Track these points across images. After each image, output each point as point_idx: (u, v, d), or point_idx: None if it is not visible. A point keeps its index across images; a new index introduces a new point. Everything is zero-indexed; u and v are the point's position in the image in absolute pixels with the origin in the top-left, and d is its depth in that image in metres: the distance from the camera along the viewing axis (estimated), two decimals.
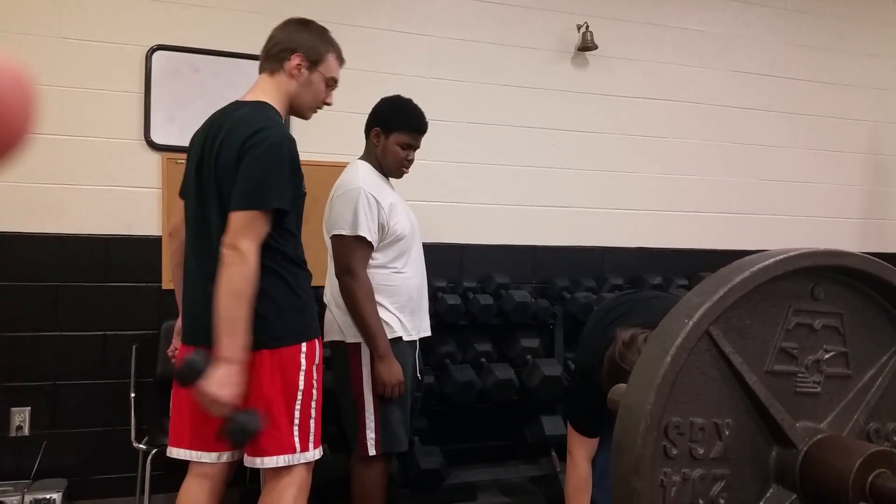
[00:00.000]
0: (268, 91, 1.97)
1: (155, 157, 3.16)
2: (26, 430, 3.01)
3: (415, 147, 2.57)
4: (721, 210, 4.10)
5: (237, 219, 1.77)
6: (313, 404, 1.88)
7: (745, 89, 4.19)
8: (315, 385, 1.89)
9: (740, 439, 1.04)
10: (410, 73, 3.48)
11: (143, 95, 3.14)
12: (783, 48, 4.29)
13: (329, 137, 3.39)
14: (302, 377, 1.85)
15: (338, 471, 2.92)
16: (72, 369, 3.06)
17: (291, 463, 1.84)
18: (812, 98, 4.34)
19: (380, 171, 2.54)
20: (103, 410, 3.09)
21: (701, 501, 1.00)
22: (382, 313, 2.39)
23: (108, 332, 3.11)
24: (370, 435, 2.40)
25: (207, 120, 2.05)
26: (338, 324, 2.43)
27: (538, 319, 3.48)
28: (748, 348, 1.04)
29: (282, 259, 1.85)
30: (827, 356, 1.10)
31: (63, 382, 3.05)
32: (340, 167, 3.49)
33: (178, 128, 3.16)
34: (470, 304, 3.34)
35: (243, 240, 1.74)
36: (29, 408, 3.01)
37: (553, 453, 3.36)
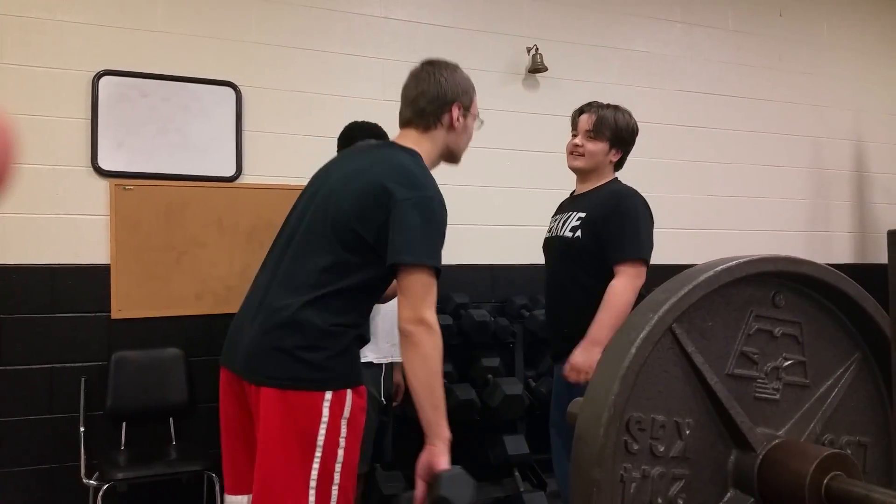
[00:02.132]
0: (423, 145, 1.83)
1: (103, 184, 3.08)
2: None
3: None
4: (670, 226, 4.18)
5: (416, 281, 1.62)
6: (338, 468, 1.62)
7: (690, 108, 4.31)
8: (343, 443, 1.62)
9: (700, 440, 1.04)
10: (365, 96, 3.49)
11: (89, 121, 3.07)
12: (726, 67, 4.43)
13: (284, 161, 3.36)
14: (323, 430, 1.60)
15: None
16: (17, 405, 2.94)
17: None
18: (755, 115, 4.49)
19: None
20: (51, 446, 2.97)
21: (660, 500, 1.00)
22: None
23: (55, 365, 3.00)
24: None
25: (345, 154, 1.98)
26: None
27: (498, 338, 3.49)
28: (710, 350, 1.06)
29: (352, 308, 1.68)
30: (786, 364, 1.12)
31: (7, 419, 2.93)
32: (297, 190, 3.48)
33: (126, 153, 3.11)
34: None
35: (428, 310, 1.61)
36: None
37: (516, 473, 3.35)
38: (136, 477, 2.77)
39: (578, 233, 2.35)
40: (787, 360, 1.12)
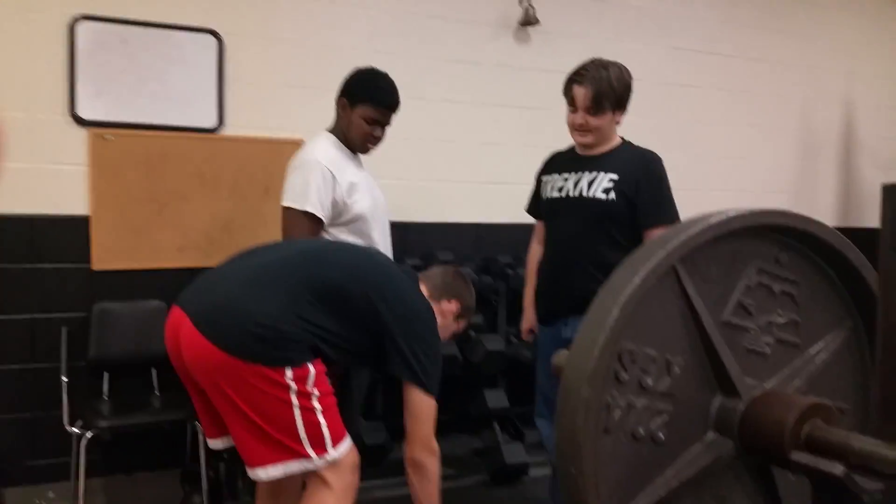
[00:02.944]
0: None
1: (82, 133, 3.03)
2: None
3: (382, 123, 2.44)
4: None
5: (427, 409, 1.89)
6: (320, 416, 1.74)
7: (683, 66, 4.26)
8: (316, 402, 1.75)
9: (687, 380, 1.07)
10: (349, 46, 3.42)
11: (67, 69, 2.99)
12: (720, 26, 4.37)
13: (268, 112, 3.31)
14: (294, 396, 1.71)
15: None
16: None
17: (309, 467, 1.74)
18: (746, 75, 4.44)
19: (346, 145, 2.44)
20: (34, 395, 2.99)
21: (641, 430, 1.04)
22: None
23: (36, 315, 2.99)
24: None
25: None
26: None
27: (481, 296, 3.49)
28: (709, 295, 1.08)
29: (336, 340, 1.81)
30: (780, 321, 1.15)
31: None
32: (280, 143, 3.42)
33: (106, 102, 3.04)
34: None
35: (433, 440, 1.91)
36: None
37: (496, 426, 3.41)
38: (120, 425, 2.80)
39: (613, 195, 2.32)
40: (781, 316, 1.15)
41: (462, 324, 2.19)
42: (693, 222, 1.06)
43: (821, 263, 1.18)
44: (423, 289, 2.06)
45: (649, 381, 1.04)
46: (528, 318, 2.69)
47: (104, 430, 2.75)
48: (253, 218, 3.04)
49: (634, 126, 4.09)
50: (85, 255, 3.04)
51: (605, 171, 2.35)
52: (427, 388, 1.86)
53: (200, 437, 2.80)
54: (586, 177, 2.38)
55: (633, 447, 1.03)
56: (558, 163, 2.53)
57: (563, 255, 2.44)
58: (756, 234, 1.12)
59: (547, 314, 2.53)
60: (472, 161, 3.77)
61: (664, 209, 2.33)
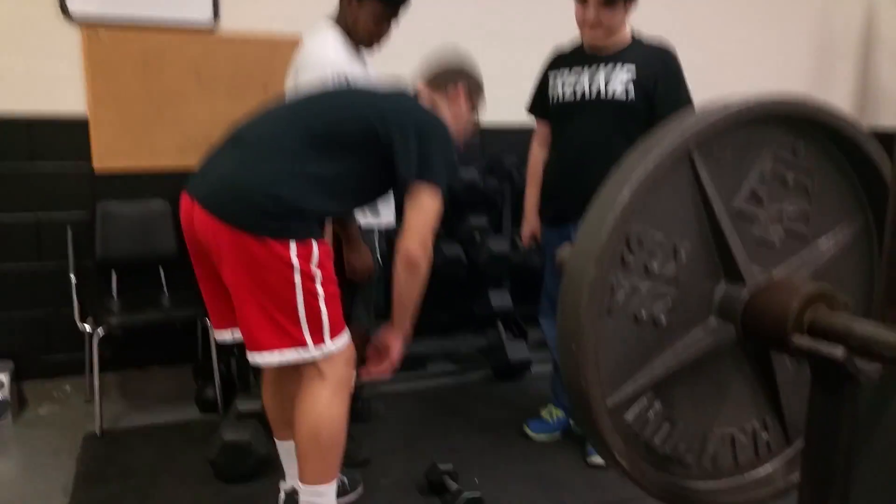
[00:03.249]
0: None
1: (74, 30, 2.93)
2: None
3: (392, 19, 2.35)
4: None
5: (430, 205, 1.77)
6: (322, 303, 1.73)
7: None
8: (319, 286, 1.73)
9: (693, 266, 1.08)
10: None
11: None
12: None
13: (265, 6, 3.18)
14: (298, 277, 1.69)
15: None
16: (6, 252, 2.97)
17: (305, 357, 1.73)
18: None
19: (351, 38, 2.34)
20: (44, 293, 3.04)
21: (643, 313, 1.05)
22: None
23: (41, 215, 3.00)
24: None
25: None
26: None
27: (486, 198, 3.49)
28: (722, 180, 1.07)
29: (342, 186, 1.77)
30: (791, 211, 1.14)
31: None
32: (278, 41, 3.32)
33: None
34: None
35: (430, 241, 1.78)
36: None
37: (499, 324, 3.48)
38: (130, 322, 2.86)
39: (632, 92, 2.24)
40: (792, 207, 1.14)
41: (475, 106, 2.11)
42: (712, 108, 1.04)
43: (838, 155, 1.16)
44: (424, 89, 2.01)
45: (655, 266, 1.04)
46: (531, 222, 2.66)
47: (115, 328, 2.81)
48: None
49: (642, 19, 3.96)
50: (86, 155, 3.01)
51: (623, 63, 2.26)
52: (436, 186, 1.77)
53: (211, 334, 2.86)
54: (602, 71, 2.28)
55: (635, 329, 1.05)
56: (567, 58, 2.42)
57: (579, 158, 2.35)
58: (775, 123, 1.09)
59: (556, 217, 2.49)
60: (477, 58, 3.64)
61: (683, 104, 2.24)
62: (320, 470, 1.78)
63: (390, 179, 1.80)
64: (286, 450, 2.03)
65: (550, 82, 2.44)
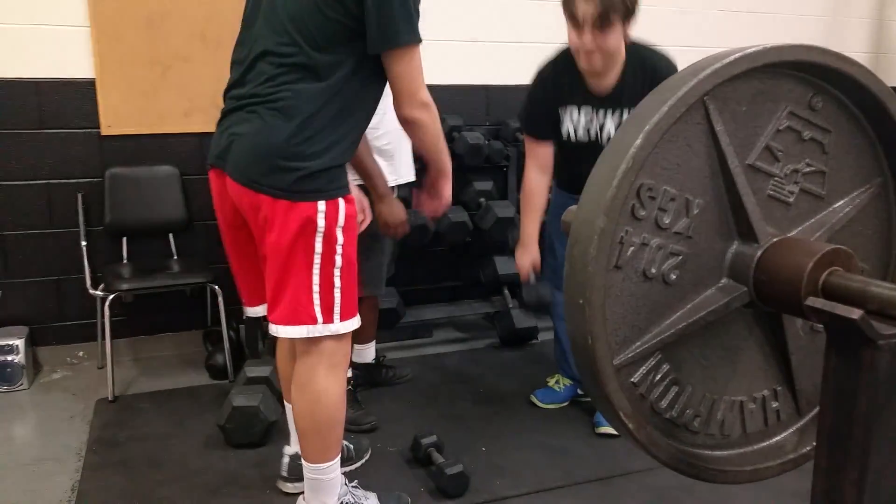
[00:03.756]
0: None
1: None
2: None
3: None
4: (678, 43, 3.98)
5: (408, 68, 1.66)
6: (337, 272, 1.68)
7: None
8: (340, 250, 1.68)
9: (705, 223, 1.05)
10: None
11: None
12: None
13: None
14: (320, 240, 1.65)
15: None
16: (18, 219, 2.98)
17: (313, 335, 1.69)
18: None
19: None
20: (56, 259, 3.06)
21: (653, 270, 1.02)
22: None
23: (50, 181, 3.00)
24: None
25: None
26: None
27: (492, 162, 3.47)
28: (737, 135, 1.04)
29: (355, 100, 1.68)
30: (807, 170, 1.11)
31: (10, 233, 2.99)
32: None
33: None
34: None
35: (423, 92, 1.70)
36: None
37: (506, 291, 3.48)
38: (141, 288, 2.88)
39: None
40: (808, 165, 1.11)
41: None
42: (727, 53, 1.00)
43: (856, 113, 1.12)
44: None
45: (666, 220, 1.01)
46: (531, 252, 2.45)
47: (126, 293, 2.83)
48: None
49: None
50: (94, 119, 3.00)
51: (629, 108, 2.17)
52: (410, 46, 1.64)
53: (220, 300, 2.88)
54: (610, 119, 2.23)
55: (643, 286, 1.02)
56: (572, 91, 2.28)
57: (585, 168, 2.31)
58: (791, 75, 1.05)
59: (566, 183, 2.48)
60: (481, 18, 3.59)
61: None
62: (320, 448, 1.78)
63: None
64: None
65: (562, 118, 2.32)
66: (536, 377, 2.83)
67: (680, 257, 1.04)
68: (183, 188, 3.13)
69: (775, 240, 1.05)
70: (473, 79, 3.62)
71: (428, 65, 3.69)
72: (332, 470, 1.80)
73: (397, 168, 2.44)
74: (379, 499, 1.99)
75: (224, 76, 3.07)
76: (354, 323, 1.74)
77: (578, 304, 0.97)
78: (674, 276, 1.04)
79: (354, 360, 2.76)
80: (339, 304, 1.69)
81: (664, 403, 1.08)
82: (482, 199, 3.43)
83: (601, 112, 2.26)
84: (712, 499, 2.05)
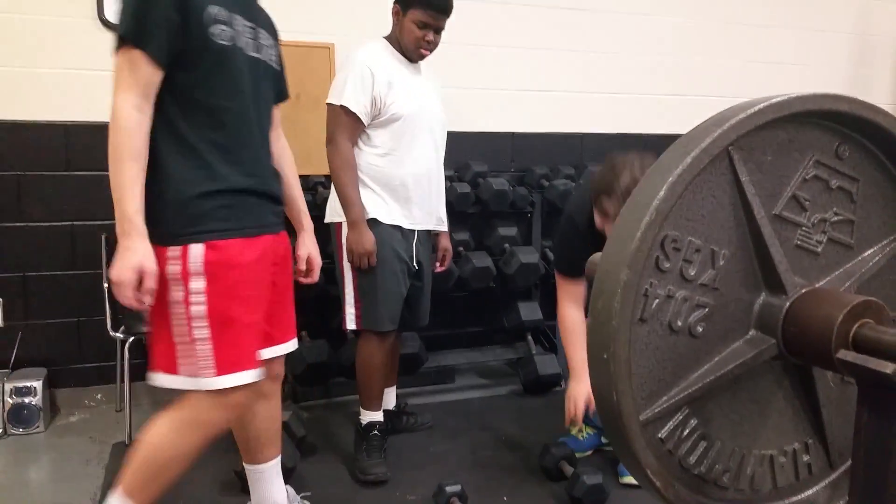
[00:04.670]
0: None
1: (109, 37, 2.97)
2: (0, 322, 2.99)
3: (434, 27, 2.42)
4: (703, 93, 3.99)
5: (122, 60, 1.52)
6: (195, 324, 1.55)
7: None
8: (198, 299, 1.55)
9: (732, 274, 1.02)
10: None
11: None
12: None
13: (294, 13, 3.20)
14: (179, 289, 1.54)
15: (318, 356, 2.98)
16: (41, 260, 3.02)
17: (180, 387, 1.59)
18: None
19: (401, 52, 2.46)
20: (77, 300, 3.08)
21: (679, 322, 1.00)
22: (365, 192, 2.39)
23: (75, 223, 3.04)
24: (349, 310, 2.45)
25: None
26: (329, 206, 2.49)
27: (516, 207, 3.46)
28: (763, 184, 1.02)
29: (167, 134, 1.55)
30: (835, 219, 1.09)
31: (33, 274, 3.02)
32: (309, 47, 3.33)
33: None
34: (447, 193, 3.30)
35: (116, 87, 1.51)
36: (0, 299, 2.99)
37: (529, 337, 3.43)
38: None
39: None
40: (836, 215, 1.09)
41: None
42: (751, 102, 0.99)
43: (884, 160, 1.11)
44: None
45: (692, 272, 0.99)
46: (585, 391, 2.32)
47: (145, 336, 2.82)
48: (285, 127, 3.01)
49: (680, 29, 3.91)
50: None
51: None
52: (123, 48, 1.51)
53: None
54: None
55: (669, 339, 0.99)
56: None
57: None
58: (817, 123, 1.04)
59: None
60: (508, 67, 3.63)
61: None
62: (134, 484, 1.65)
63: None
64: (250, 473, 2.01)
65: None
66: (559, 425, 2.75)
67: (706, 309, 1.02)
68: None
69: (804, 290, 1.02)
70: (499, 126, 3.64)
71: (455, 113, 3.74)
72: None
73: (416, 214, 2.48)
74: None
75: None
76: (238, 378, 1.59)
77: (602, 359, 0.95)
78: (700, 329, 1.02)
79: None
80: (207, 358, 1.56)
81: (692, 459, 1.04)
82: (506, 245, 3.41)
83: None
84: None
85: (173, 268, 1.54)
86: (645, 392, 0.98)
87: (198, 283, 1.54)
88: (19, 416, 2.81)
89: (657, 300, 0.98)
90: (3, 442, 2.77)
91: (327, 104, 2.40)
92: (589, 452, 2.62)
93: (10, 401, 2.81)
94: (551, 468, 2.41)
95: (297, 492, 2.18)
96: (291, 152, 1.98)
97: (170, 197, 1.55)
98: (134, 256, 1.46)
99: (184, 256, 1.54)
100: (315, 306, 3.19)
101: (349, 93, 2.33)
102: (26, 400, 2.82)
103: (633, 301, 0.95)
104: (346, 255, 2.40)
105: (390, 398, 2.78)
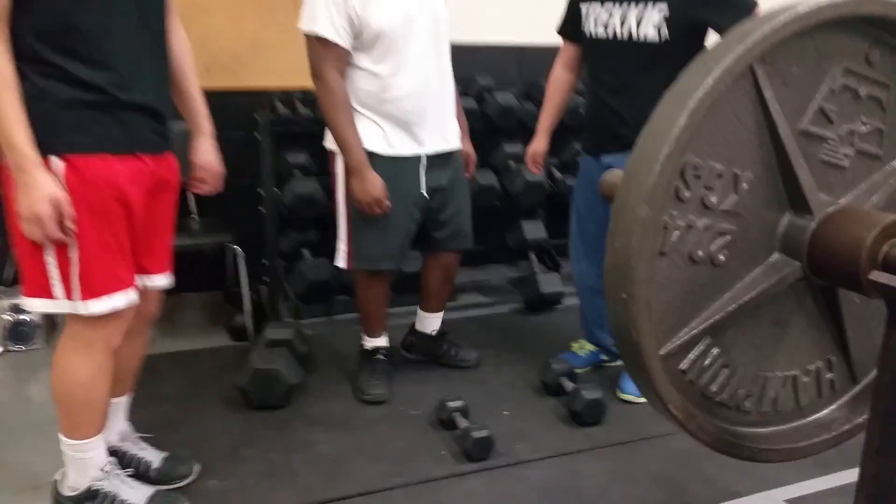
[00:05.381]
0: None
1: None
2: None
3: None
4: None
5: None
6: (73, 244, 1.48)
7: None
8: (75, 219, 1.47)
9: (755, 197, 0.99)
10: None
11: None
12: None
13: None
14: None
15: (319, 274, 2.96)
16: None
17: (55, 310, 1.55)
18: None
19: None
20: None
21: (700, 252, 0.97)
22: (359, 121, 2.18)
23: None
24: (340, 246, 2.35)
25: None
26: (327, 129, 2.25)
27: (523, 124, 3.36)
28: (788, 99, 0.97)
29: (24, 50, 1.42)
30: (863, 129, 1.04)
31: None
32: None
33: None
34: None
35: None
36: None
37: (532, 256, 3.41)
38: None
39: (666, 31, 2.06)
40: (865, 124, 1.04)
41: None
42: (776, 13, 0.92)
43: None
44: None
45: (713, 199, 0.95)
46: (539, 143, 2.58)
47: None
48: (282, 36, 2.86)
49: None
50: None
51: (655, 1, 2.07)
52: None
53: (240, 261, 2.84)
54: (634, 10, 2.10)
55: (690, 270, 0.96)
56: None
57: (613, 98, 2.22)
58: (847, 28, 0.97)
59: (592, 147, 2.39)
60: None
61: (745, 13, 1.97)
62: (66, 424, 1.66)
63: None
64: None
65: (583, 13, 2.27)
66: (560, 342, 2.78)
67: (728, 236, 0.98)
68: None
69: (831, 210, 0.99)
70: (506, 38, 3.50)
71: (462, 24, 3.58)
72: (81, 449, 1.68)
73: (419, 137, 2.25)
74: (152, 497, 1.77)
75: (246, 29, 2.91)
76: (101, 305, 1.53)
77: (621, 299, 0.92)
78: (722, 257, 0.99)
79: (417, 326, 2.68)
80: (82, 280, 1.50)
81: (714, 387, 1.03)
82: (511, 162, 3.34)
83: (625, 4, 2.14)
84: (733, 463, 1.99)
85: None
86: (665, 326, 0.96)
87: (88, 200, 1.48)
88: (17, 333, 2.80)
89: (677, 232, 0.94)
90: (4, 359, 2.79)
91: (303, 33, 2.11)
92: (588, 368, 2.64)
93: (9, 318, 2.80)
94: (551, 384, 2.44)
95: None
96: (189, 43, 1.81)
97: (32, 105, 1.42)
98: (41, 189, 1.40)
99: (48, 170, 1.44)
100: (316, 225, 3.16)
101: (322, 18, 2.05)
102: (23, 317, 2.81)
103: (653, 236, 0.92)
104: (340, 186, 2.27)
105: (430, 322, 2.67)
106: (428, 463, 2.06)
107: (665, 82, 1.94)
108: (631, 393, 2.40)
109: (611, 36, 2.19)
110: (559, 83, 2.52)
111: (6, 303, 2.82)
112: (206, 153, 1.85)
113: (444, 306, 2.69)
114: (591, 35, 2.26)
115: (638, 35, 2.12)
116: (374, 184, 2.17)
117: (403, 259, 2.42)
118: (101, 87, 1.48)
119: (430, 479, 1.99)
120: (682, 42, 2.07)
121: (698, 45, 2.10)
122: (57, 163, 1.45)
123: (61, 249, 1.49)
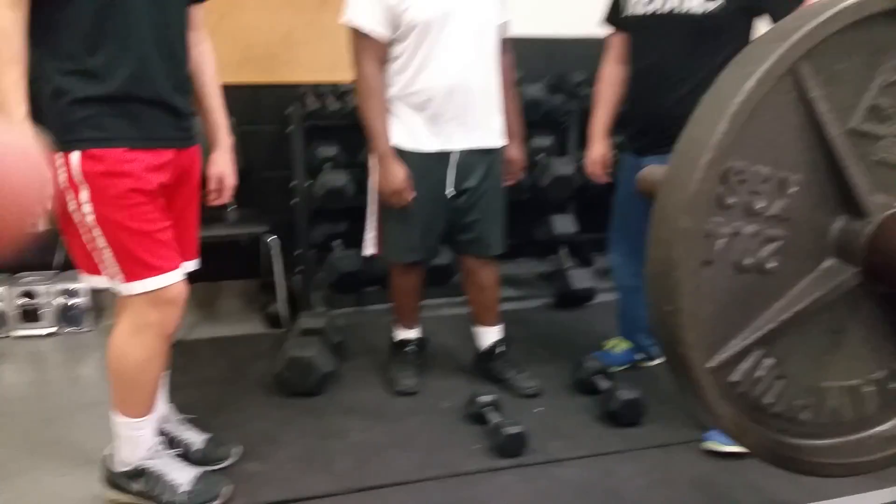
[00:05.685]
0: None
1: None
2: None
3: None
4: None
5: None
6: (95, 233, 1.58)
7: None
8: (88, 211, 1.56)
9: (805, 200, 0.94)
10: None
11: None
12: None
13: None
14: (71, 197, 1.56)
15: (350, 265, 3.00)
16: None
17: (106, 286, 1.68)
18: None
19: None
20: None
21: (748, 260, 0.93)
22: (392, 116, 2.21)
23: None
24: (368, 234, 2.38)
25: None
26: None
27: (551, 117, 3.36)
28: (836, 97, 0.92)
29: (42, 35, 1.49)
30: None
31: None
32: None
33: None
34: None
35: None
36: None
37: (562, 251, 3.41)
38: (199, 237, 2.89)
39: (712, 7, 1.97)
40: None
41: None
42: (821, 7, 0.87)
43: None
44: None
45: (760, 204, 0.91)
46: (599, 148, 2.47)
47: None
48: (311, 30, 2.89)
49: None
50: None
51: None
52: None
53: (276, 250, 2.89)
54: None
55: (738, 279, 0.92)
56: None
57: (654, 83, 2.14)
58: None
59: (638, 145, 2.30)
60: None
61: None
62: (118, 399, 1.75)
63: None
64: None
65: None
66: (591, 339, 2.77)
67: (778, 243, 0.94)
68: (241, 137, 3.10)
69: (890, 212, 0.94)
70: (534, 30, 3.48)
71: None
72: (133, 427, 1.76)
73: (447, 132, 2.22)
74: (198, 479, 1.84)
75: (279, 25, 2.95)
76: (145, 285, 1.62)
77: (665, 311, 0.89)
78: (771, 265, 0.95)
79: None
80: (121, 264, 1.60)
81: (769, 399, 1.00)
82: (541, 156, 3.33)
83: None
84: (769, 469, 1.99)
85: (62, 176, 1.54)
86: (713, 338, 0.93)
87: (84, 193, 1.55)
88: (67, 315, 2.93)
89: (723, 240, 0.91)
90: (55, 340, 2.90)
91: (345, 24, 2.16)
92: (622, 368, 2.62)
93: (60, 301, 2.90)
94: (585, 382, 2.42)
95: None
96: (215, 57, 1.86)
97: (50, 103, 1.52)
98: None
99: (67, 165, 1.53)
100: (347, 217, 3.19)
101: (361, 10, 2.09)
102: (73, 301, 2.90)
103: (696, 246, 0.88)
104: (371, 181, 2.29)
105: (480, 336, 2.57)
106: (461, 456, 2.07)
107: (711, 58, 1.93)
108: (715, 440, 2.08)
109: (650, 11, 2.10)
110: (611, 79, 2.40)
111: (57, 287, 2.90)
112: (222, 166, 1.90)
113: (494, 321, 2.56)
114: (631, 14, 2.19)
115: (682, 7, 2.03)
116: (397, 175, 2.18)
117: (430, 254, 2.42)
118: (118, 84, 1.54)
119: (464, 473, 2.00)
120: (737, 14, 1.98)
121: (746, 30, 2.02)
122: (76, 157, 1.53)
123: (98, 236, 1.58)
